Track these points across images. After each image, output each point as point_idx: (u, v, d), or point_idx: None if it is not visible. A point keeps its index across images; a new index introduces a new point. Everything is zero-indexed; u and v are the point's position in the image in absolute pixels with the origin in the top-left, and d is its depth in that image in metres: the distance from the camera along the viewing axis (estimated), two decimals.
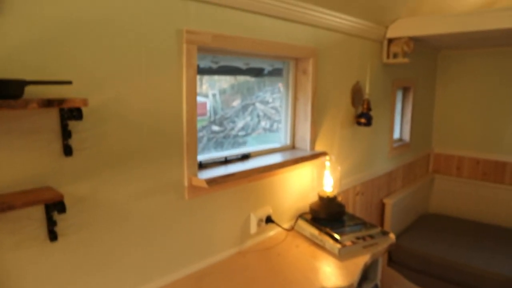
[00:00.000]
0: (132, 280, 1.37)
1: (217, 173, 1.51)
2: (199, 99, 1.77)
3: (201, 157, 1.65)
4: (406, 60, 2.65)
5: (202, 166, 1.61)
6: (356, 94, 2.47)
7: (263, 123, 2.18)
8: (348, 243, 1.73)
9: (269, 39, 1.77)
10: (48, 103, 0.96)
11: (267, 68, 2.12)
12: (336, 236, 1.75)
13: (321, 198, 2.00)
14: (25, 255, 1.11)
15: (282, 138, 2.14)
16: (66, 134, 1.12)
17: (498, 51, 3.43)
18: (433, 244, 2.94)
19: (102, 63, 1.20)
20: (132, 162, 1.31)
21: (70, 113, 1.09)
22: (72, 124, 1.14)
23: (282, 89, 2.14)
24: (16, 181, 1.07)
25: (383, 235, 1.87)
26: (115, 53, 1.22)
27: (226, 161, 1.73)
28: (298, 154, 1.95)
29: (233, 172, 1.51)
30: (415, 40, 2.77)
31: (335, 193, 2.01)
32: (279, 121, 2.17)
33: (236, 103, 2.08)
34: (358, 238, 1.78)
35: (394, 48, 2.69)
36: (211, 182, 1.42)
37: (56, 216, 1.13)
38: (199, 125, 1.60)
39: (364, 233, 1.82)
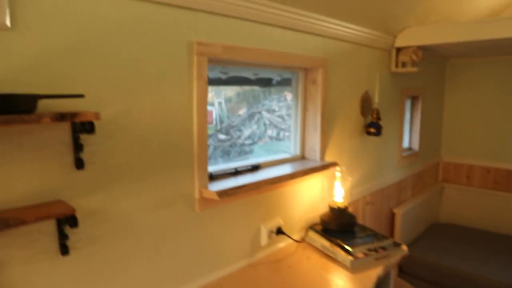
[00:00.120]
0: None
1: (228, 184, 1.50)
2: None
3: (211, 168, 1.64)
4: (415, 69, 2.63)
5: (212, 177, 1.60)
6: (365, 103, 2.46)
7: (269, 132, 2.17)
8: (360, 255, 1.71)
9: (278, 50, 1.76)
10: (61, 117, 0.96)
11: (276, 78, 2.11)
12: (348, 248, 1.73)
13: (331, 209, 1.98)
14: (37, 269, 1.10)
15: (291, 148, 2.13)
16: (77, 147, 1.12)
17: (507, 59, 3.41)
18: (444, 255, 2.90)
19: (113, 76, 1.20)
20: (142, 175, 1.31)
21: (82, 127, 1.09)
22: (84, 137, 1.14)
23: (291, 99, 2.13)
24: (28, 194, 1.06)
25: (395, 246, 1.84)
26: (126, 66, 1.22)
27: (236, 172, 1.72)
28: (308, 164, 1.94)
29: (244, 184, 1.50)
30: (423, 49, 2.76)
31: (345, 204, 1.99)
32: (285, 130, 2.16)
33: (242, 111, 2.07)
34: (370, 250, 1.75)
35: (403, 57, 2.67)
36: (222, 194, 1.41)
37: (67, 230, 1.13)
38: None
39: (376, 244, 1.80)
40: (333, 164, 2.04)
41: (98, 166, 1.19)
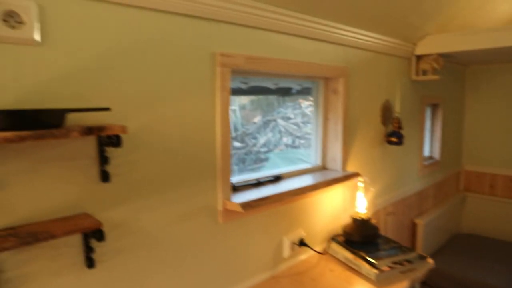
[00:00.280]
0: None
1: (251, 196, 1.48)
2: None
3: (233, 179, 1.63)
4: (436, 77, 2.59)
5: (234, 188, 1.59)
6: (386, 112, 2.43)
7: (285, 139, 2.16)
8: (385, 268, 1.67)
9: (299, 60, 1.75)
10: (89, 131, 0.96)
11: (296, 87, 2.10)
12: (372, 260, 1.69)
13: (354, 220, 1.94)
14: (63, 282, 1.10)
15: (312, 158, 2.11)
16: (103, 160, 1.12)
17: None
18: (469, 267, 2.82)
19: (137, 89, 1.20)
20: (166, 187, 1.30)
21: (108, 140, 1.09)
22: (109, 150, 1.14)
23: (306, 106, 2.11)
24: (54, 207, 1.06)
25: (420, 259, 1.79)
26: (149, 78, 1.23)
27: (258, 183, 1.70)
28: (330, 175, 1.91)
29: (268, 196, 1.48)
30: (442, 56, 2.72)
31: (368, 215, 1.95)
32: (301, 137, 2.13)
33: (257, 119, 2.06)
34: (395, 263, 1.71)
35: (423, 65, 2.64)
36: (246, 206, 1.40)
37: (93, 243, 1.12)
38: None
39: (400, 257, 1.75)
40: (356, 175, 2.01)
41: (122, 179, 1.19)
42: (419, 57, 2.66)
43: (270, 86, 2.01)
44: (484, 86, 3.59)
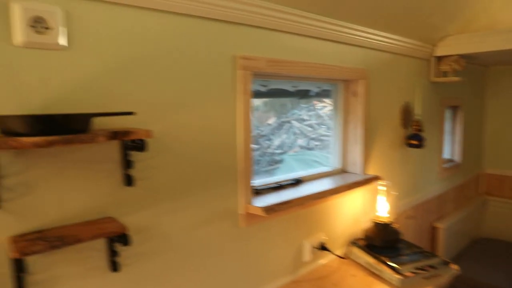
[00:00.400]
0: None
1: (272, 200, 1.47)
2: None
3: (253, 183, 1.62)
4: (457, 78, 2.55)
5: (255, 192, 1.58)
6: (405, 114, 2.39)
7: (299, 141, 2.14)
8: (408, 273, 1.64)
9: (320, 62, 1.74)
10: (114, 135, 0.96)
11: (314, 90, 2.09)
12: (395, 265, 1.66)
13: (375, 224, 1.92)
14: (88, 285, 1.10)
15: (332, 161, 2.09)
16: (127, 164, 1.12)
17: None
18: (493, 273, 2.75)
19: (159, 93, 1.20)
20: (189, 191, 1.30)
21: (132, 144, 1.09)
22: (133, 154, 1.14)
23: (326, 110, 2.09)
24: (79, 211, 1.07)
25: (444, 265, 1.76)
26: (171, 82, 1.23)
27: (278, 187, 1.69)
28: (351, 178, 1.89)
29: (290, 199, 1.47)
30: (463, 57, 2.67)
31: (390, 219, 1.92)
32: (315, 139, 2.11)
33: (271, 120, 2.05)
34: (418, 269, 1.68)
35: (444, 66, 2.59)
36: (269, 210, 1.39)
37: (117, 247, 1.12)
38: None
39: (424, 263, 1.72)
40: (376, 178, 1.98)
41: (145, 183, 1.19)
42: (439, 58, 2.62)
43: (289, 89, 2.00)
44: (505, 87, 3.52)
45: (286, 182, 1.73)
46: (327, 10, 1.66)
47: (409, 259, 1.73)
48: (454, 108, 3.19)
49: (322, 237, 1.82)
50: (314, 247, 1.78)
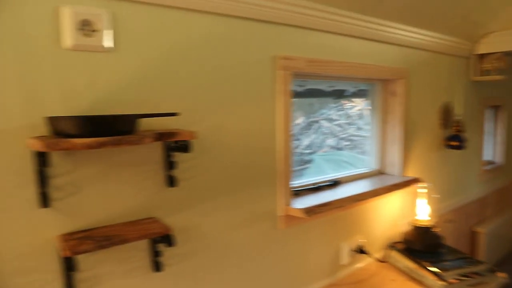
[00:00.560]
0: None
1: (311, 201, 1.45)
2: None
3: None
4: (500, 77, 2.44)
5: (293, 193, 1.56)
6: (445, 115, 2.31)
7: (329, 141, 2.10)
8: (452, 280, 1.58)
9: (359, 62, 1.70)
10: (160, 137, 0.97)
11: (351, 89, 2.05)
12: (437, 271, 1.60)
13: (415, 228, 1.86)
14: (131, 285, 1.11)
15: (369, 162, 2.04)
16: (170, 165, 1.13)
17: None
18: None
19: (200, 94, 1.20)
20: (228, 192, 1.30)
21: (175, 145, 1.09)
22: (175, 155, 1.15)
23: (367, 111, 2.05)
24: (123, 211, 1.08)
25: (491, 273, 1.68)
26: (212, 83, 1.22)
27: (316, 188, 1.66)
28: (390, 180, 1.84)
29: (329, 201, 1.44)
30: (507, 55, 2.56)
31: (431, 222, 1.86)
32: (345, 139, 2.07)
33: (299, 120, 2.02)
34: (462, 275, 1.61)
35: (485, 65, 2.49)
36: (309, 212, 1.36)
37: (160, 247, 1.13)
38: None
39: (468, 269, 1.65)
40: (416, 180, 1.92)
41: (187, 184, 1.20)
42: (480, 56, 2.52)
43: (325, 89, 1.97)
44: None
45: (323, 184, 1.70)
46: (367, 8, 1.62)
47: (452, 265, 1.67)
48: (495, 108, 3.06)
49: (360, 240, 1.78)
50: (352, 250, 1.74)
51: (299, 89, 1.83)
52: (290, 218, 1.45)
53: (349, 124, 2.10)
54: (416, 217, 1.91)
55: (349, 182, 1.83)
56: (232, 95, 1.28)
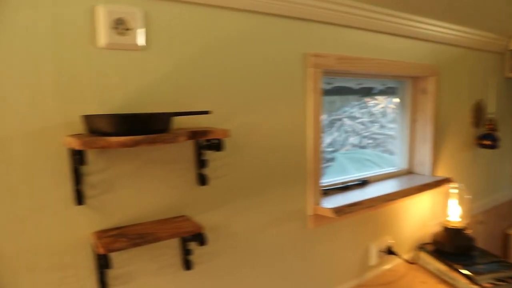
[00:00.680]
0: None
1: (341, 201, 1.43)
2: None
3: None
4: None
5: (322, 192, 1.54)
6: (477, 113, 2.24)
7: (351, 139, 2.07)
8: (486, 284, 1.53)
9: (389, 59, 1.66)
10: (193, 135, 0.96)
11: (379, 87, 2.01)
12: (470, 275, 1.56)
13: (446, 229, 1.81)
14: (162, 282, 1.12)
15: (397, 161, 2.00)
16: (201, 163, 1.13)
17: None
18: None
19: (230, 91, 1.19)
20: (259, 191, 1.29)
21: (207, 143, 1.09)
22: (207, 154, 1.15)
23: (396, 109, 2.01)
24: (155, 209, 1.09)
25: None
26: (242, 81, 1.22)
27: (344, 187, 1.64)
28: (419, 180, 1.80)
29: (359, 201, 1.42)
30: None
31: (462, 224, 1.81)
32: (368, 137, 2.03)
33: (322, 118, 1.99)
34: (497, 280, 1.56)
35: None
36: (339, 211, 1.34)
37: (191, 245, 1.13)
38: None
39: (504, 274, 1.59)
40: (447, 180, 1.87)
41: (218, 182, 1.19)
42: None
43: (353, 86, 1.94)
44: None
45: (352, 183, 1.68)
46: (397, 3, 1.58)
47: (486, 269, 1.61)
48: None
49: (388, 241, 1.75)
50: (380, 251, 1.71)
51: (327, 86, 1.80)
52: (319, 218, 1.43)
53: (372, 122, 2.06)
54: (447, 218, 1.86)
55: (377, 181, 1.79)
56: (262, 93, 1.26)
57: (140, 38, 1.01)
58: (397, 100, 2.02)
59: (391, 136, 2.05)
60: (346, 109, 2.07)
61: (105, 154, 0.99)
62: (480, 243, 2.42)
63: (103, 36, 0.96)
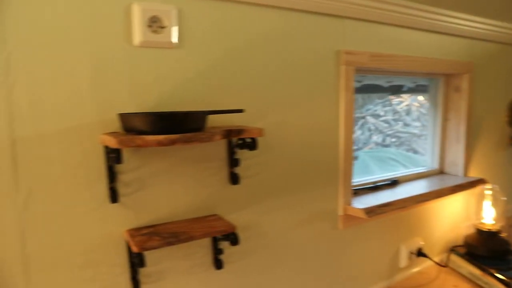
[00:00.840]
0: None
1: (372, 201, 1.40)
2: None
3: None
4: None
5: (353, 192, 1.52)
6: None
7: (374, 137, 2.02)
8: None
9: (422, 56, 1.61)
10: (228, 134, 0.95)
11: (408, 85, 1.96)
12: (507, 280, 1.50)
13: (479, 232, 1.75)
14: (193, 281, 1.12)
15: (428, 161, 1.95)
16: (233, 162, 1.12)
17: None
18: None
19: (262, 89, 1.18)
20: (290, 190, 1.27)
21: (240, 142, 1.08)
22: (239, 153, 1.14)
23: (426, 107, 1.95)
24: (187, 208, 1.08)
25: None
26: (274, 79, 1.20)
27: (374, 187, 1.60)
28: (452, 181, 1.75)
29: (391, 201, 1.39)
30: None
31: (498, 227, 1.75)
32: (391, 135, 1.98)
33: None
34: None
35: None
36: (370, 212, 1.31)
37: (222, 244, 1.13)
38: None
39: None
40: (481, 181, 1.81)
41: (249, 182, 1.18)
42: None
43: (383, 84, 1.90)
44: None
45: (382, 183, 1.64)
46: None
47: None
48: None
49: (419, 242, 1.71)
50: (411, 253, 1.67)
51: (356, 84, 1.77)
52: (349, 218, 1.40)
53: (396, 120, 2.01)
54: (481, 221, 1.80)
55: (407, 181, 1.75)
56: (294, 91, 1.24)
57: (174, 36, 1.01)
58: (422, 98, 1.97)
59: (416, 134, 2.00)
60: (370, 107, 2.03)
61: (138, 152, 1.00)
62: None
63: (138, 34, 0.95)
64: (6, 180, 0.84)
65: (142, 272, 1.03)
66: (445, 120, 1.91)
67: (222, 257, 1.14)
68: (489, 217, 1.78)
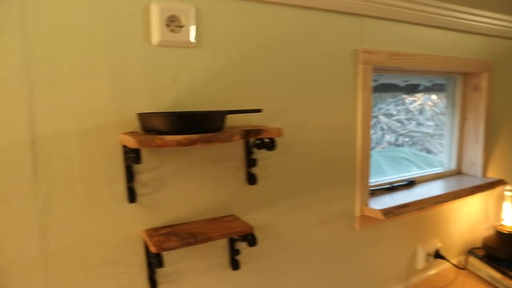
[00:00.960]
0: None
1: (389, 202, 1.38)
2: None
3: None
4: None
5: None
6: None
7: (387, 137, 2.00)
8: None
9: (440, 54, 1.59)
10: (247, 134, 0.95)
11: (425, 84, 1.93)
12: None
13: (498, 234, 1.72)
14: (209, 281, 1.11)
15: (445, 162, 1.92)
16: (251, 162, 1.11)
17: None
18: None
19: (280, 89, 1.17)
20: (307, 190, 1.26)
21: (258, 142, 1.07)
22: (256, 153, 1.13)
23: (443, 107, 1.92)
24: (204, 208, 1.08)
25: None
26: (292, 78, 1.19)
27: (391, 188, 1.58)
28: (470, 181, 1.71)
29: (409, 202, 1.36)
30: None
31: None
32: (404, 135, 1.95)
33: None
34: None
35: None
36: (387, 213, 1.30)
37: (239, 245, 1.12)
38: None
39: None
40: (501, 182, 1.78)
41: (266, 182, 1.17)
42: None
43: (399, 83, 1.87)
44: None
45: (398, 183, 1.62)
46: None
47: None
48: None
49: (437, 244, 1.68)
50: (428, 255, 1.64)
51: (373, 83, 1.75)
52: (366, 219, 1.39)
53: (409, 119, 1.99)
54: (501, 222, 1.76)
55: (424, 182, 1.72)
56: (312, 91, 1.23)
57: (192, 35, 1.00)
58: (435, 96, 1.94)
59: (429, 134, 1.97)
60: (382, 106, 2.01)
61: (156, 152, 0.99)
62: None
63: (157, 33, 0.95)
64: (26, 180, 0.85)
65: (160, 272, 1.03)
66: (463, 119, 1.88)
67: (239, 257, 1.13)
68: (509, 219, 1.75)
